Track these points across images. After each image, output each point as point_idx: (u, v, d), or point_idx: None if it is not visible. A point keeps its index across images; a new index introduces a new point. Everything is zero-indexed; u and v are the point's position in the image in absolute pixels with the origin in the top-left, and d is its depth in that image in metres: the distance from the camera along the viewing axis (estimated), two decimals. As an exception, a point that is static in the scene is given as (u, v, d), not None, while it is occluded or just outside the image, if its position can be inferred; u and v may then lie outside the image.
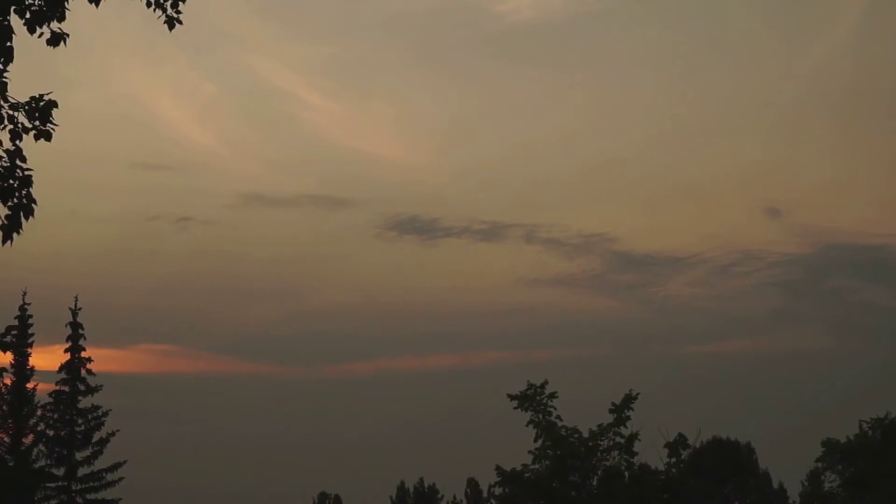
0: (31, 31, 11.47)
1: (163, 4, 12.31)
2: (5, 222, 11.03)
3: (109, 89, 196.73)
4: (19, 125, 11.24)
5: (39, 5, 11.38)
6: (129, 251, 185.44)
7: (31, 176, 11.17)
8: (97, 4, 11.76)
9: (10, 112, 11.24)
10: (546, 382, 27.48)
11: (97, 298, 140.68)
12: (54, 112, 11.45)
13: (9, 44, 11.16)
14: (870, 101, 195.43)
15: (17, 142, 11.20)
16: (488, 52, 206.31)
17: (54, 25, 11.60)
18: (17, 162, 11.12)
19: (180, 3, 12.34)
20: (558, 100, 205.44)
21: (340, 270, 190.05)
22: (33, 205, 11.14)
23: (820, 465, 36.71)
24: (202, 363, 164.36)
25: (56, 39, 11.65)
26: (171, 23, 12.39)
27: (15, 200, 11.06)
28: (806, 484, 60.38)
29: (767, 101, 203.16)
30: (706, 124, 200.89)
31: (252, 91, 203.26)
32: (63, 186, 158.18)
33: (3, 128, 11.22)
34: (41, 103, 11.33)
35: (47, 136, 11.35)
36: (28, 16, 11.36)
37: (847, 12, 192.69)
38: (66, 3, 11.52)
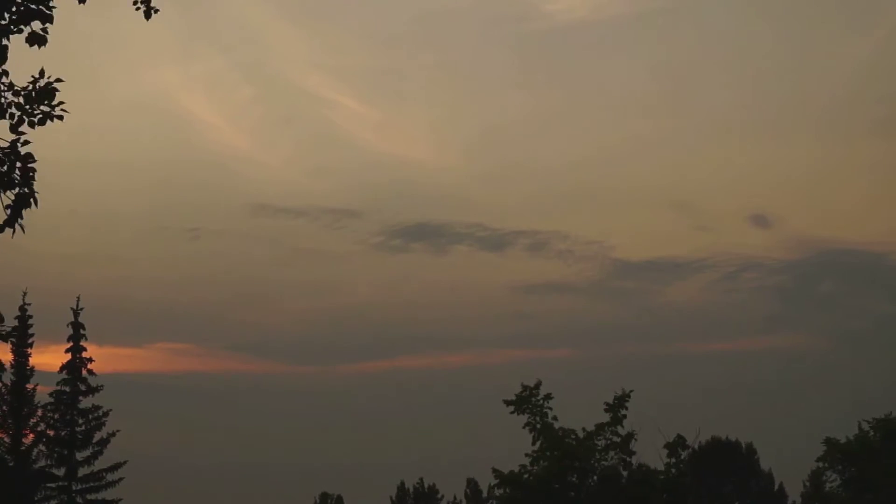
0: (15, 25, 11.27)
1: None
2: (7, 213, 10.96)
3: (137, 88, 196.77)
4: (24, 108, 11.09)
5: (24, 4, 11.20)
6: (148, 250, 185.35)
7: (32, 165, 11.04)
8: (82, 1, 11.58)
9: (13, 99, 11.11)
10: (539, 383, 27.39)
11: (114, 297, 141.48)
12: (65, 103, 11.26)
13: (5, 42, 11.07)
14: (861, 109, 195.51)
15: (20, 129, 11.06)
16: (521, 54, 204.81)
17: (39, 25, 11.39)
18: (19, 150, 10.99)
19: None
20: (571, 107, 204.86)
21: (354, 272, 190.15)
22: (35, 194, 11.02)
23: (821, 464, 36.68)
24: (217, 362, 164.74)
25: (36, 38, 11.40)
26: (148, 14, 12.08)
27: (16, 190, 10.96)
28: (807, 484, 60.29)
29: (760, 109, 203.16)
30: (702, 131, 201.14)
31: (283, 94, 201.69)
32: (79, 186, 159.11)
33: (7, 116, 11.08)
34: (38, 85, 11.15)
35: (58, 118, 11.19)
36: (15, 11, 11.20)
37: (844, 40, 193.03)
38: (49, 4, 11.33)
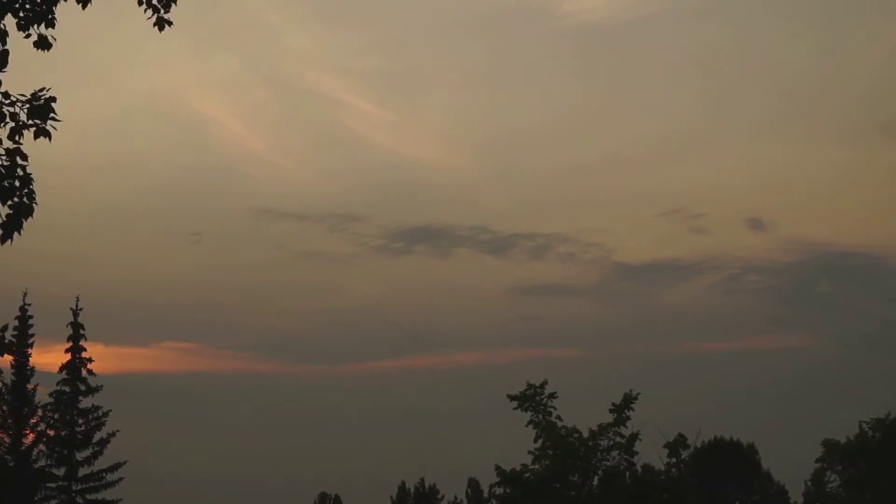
0: (22, 30, 11.27)
1: (154, 5, 11.94)
2: (5, 221, 10.88)
3: (148, 88, 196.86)
4: (20, 121, 10.98)
5: (29, 9, 11.17)
6: (152, 251, 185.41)
7: (31, 175, 10.97)
8: (84, 6, 11.57)
9: (10, 109, 11.01)
10: (545, 382, 27.45)
11: (120, 297, 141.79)
12: (61, 111, 11.17)
13: (5, 47, 11.00)
14: (861, 114, 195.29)
15: (18, 138, 10.95)
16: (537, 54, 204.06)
17: (44, 30, 11.37)
18: (18, 160, 10.90)
19: (172, 4, 11.99)
20: (572, 111, 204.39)
21: (357, 274, 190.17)
22: (34, 204, 10.96)
23: (820, 465, 36.71)
24: (223, 362, 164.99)
25: (43, 44, 11.40)
26: (161, 25, 12.07)
27: (15, 200, 10.88)
28: (809, 484, 60.26)
29: (758, 113, 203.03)
30: (701, 135, 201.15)
31: (296, 97, 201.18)
32: (83, 186, 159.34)
33: (4, 125, 10.99)
34: (40, 101, 11.04)
35: (47, 135, 11.06)
36: (21, 15, 11.19)
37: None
38: (54, 10, 11.31)
